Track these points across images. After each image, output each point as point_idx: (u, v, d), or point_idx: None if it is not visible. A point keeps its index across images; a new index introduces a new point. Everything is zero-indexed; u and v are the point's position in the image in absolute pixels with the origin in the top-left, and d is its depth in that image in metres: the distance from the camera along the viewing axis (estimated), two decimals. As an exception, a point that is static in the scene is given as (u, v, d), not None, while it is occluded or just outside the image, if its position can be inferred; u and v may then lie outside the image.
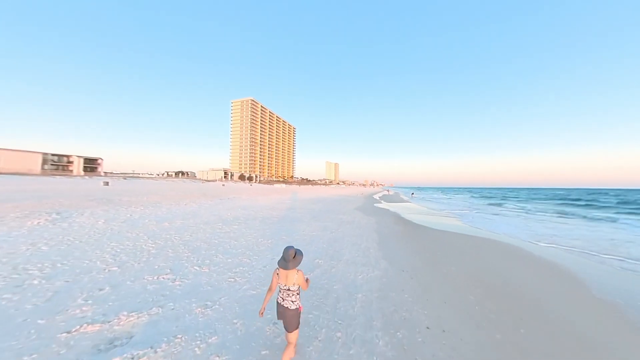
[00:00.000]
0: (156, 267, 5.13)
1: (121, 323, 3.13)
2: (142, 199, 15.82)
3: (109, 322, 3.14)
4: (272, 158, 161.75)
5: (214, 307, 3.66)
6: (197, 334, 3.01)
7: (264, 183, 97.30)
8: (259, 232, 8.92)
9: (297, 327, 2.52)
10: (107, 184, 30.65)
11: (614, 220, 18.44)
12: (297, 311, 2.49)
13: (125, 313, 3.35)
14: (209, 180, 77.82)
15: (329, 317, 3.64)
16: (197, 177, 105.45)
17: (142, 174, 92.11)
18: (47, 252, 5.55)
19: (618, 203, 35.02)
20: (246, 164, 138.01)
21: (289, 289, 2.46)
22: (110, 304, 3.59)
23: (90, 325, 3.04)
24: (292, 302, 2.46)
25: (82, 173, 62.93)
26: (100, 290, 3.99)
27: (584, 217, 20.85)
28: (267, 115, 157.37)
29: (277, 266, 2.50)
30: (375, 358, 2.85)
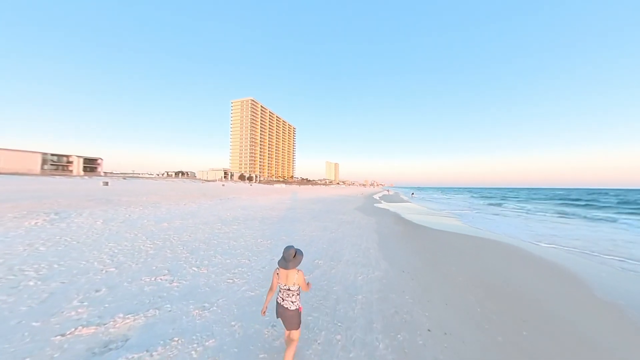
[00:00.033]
0: (154, 268, 5.07)
1: (117, 325, 3.08)
2: (142, 199, 15.76)
3: (104, 324, 3.09)
4: (272, 158, 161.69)
5: (211, 309, 3.61)
6: (194, 337, 2.95)
7: (264, 183, 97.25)
8: (258, 233, 8.87)
9: (298, 327, 2.52)
10: (106, 184, 30.59)
11: (614, 220, 18.39)
12: (297, 311, 2.48)
13: (121, 315, 3.30)
14: (208, 180, 77.76)
15: (328, 319, 3.59)
16: (197, 177, 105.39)
17: (142, 174, 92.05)
18: (44, 253, 5.50)
19: (618, 203, 34.99)
20: (246, 164, 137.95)
21: (289, 289, 2.45)
22: (106, 305, 3.54)
23: (85, 328, 2.99)
24: (292, 302, 2.45)
25: (82, 173, 62.86)
26: (97, 291, 3.94)
27: (584, 217, 20.80)
28: (267, 115, 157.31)
29: (277, 266, 2.49)
30: (375, 361, 2.80)
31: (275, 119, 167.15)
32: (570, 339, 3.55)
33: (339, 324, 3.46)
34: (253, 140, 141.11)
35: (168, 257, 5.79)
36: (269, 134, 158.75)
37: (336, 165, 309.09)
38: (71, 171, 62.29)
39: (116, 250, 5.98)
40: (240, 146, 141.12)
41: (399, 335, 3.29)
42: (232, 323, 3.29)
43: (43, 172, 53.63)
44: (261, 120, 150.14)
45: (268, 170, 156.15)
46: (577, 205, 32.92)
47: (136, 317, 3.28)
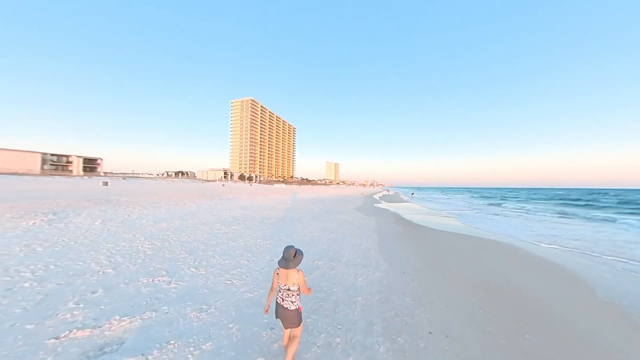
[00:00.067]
0: (152, 268, 5.02)
1: (112, 328, 3.03)
2: (141, 199, 15.70)
3: (99, 327, 3.03)
4: (272, 158, 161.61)
5: (209, 311, 3.55)
6: (190, 340, 2.90)
7: (264, 183, 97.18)
8: (257, 233, 8.81)
9: (298, 325, 2.52)
10: (106, 184, 30.53)
11: (614, 221, 18.34)
12: (297, 311, 2.48)
13: (117, 317, 3.24)
14: (208, 181, 77.69)
15: (328, 321, 3.53)
16: (197, 177, 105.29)
17: (142, 174, 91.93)
18: (41, 254, 5.44)
19: (618, 203, 34.94)
20: (246, 164, 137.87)
21: (288, 289, 2.44)
22: (102, 307, 3.48)
23: (80, 331, 2.93)
24: (292, 302, 2.45)
25: (82, 173, 62.79)
26: (93, 293, 3.88)
27: (585, 217, 20.75)
28: (267, 115, 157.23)
29: (278, 266, 2.49)
30: (375, 365, 2.74)
31: (275, 119, 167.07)
32: (575, 341, 3.50)
33: (339, 327, 3.40)
34: (253, 140, 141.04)
35: (166, 257, 5.73)
36: (269, 134, 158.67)
37: (336, 165, 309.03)
38: (71, 171, 62.22)
39: (114, 251, 5.92)
40: (240, 146, 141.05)
41: (399, 338, 3.24)
42: (230, 325, 3.23)
43: (43, 172, 53.56)
44: (261, 120, 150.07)
45: (268, 170, 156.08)
46: (577, 206, 32.86)
47: (132, 319, 3.22)
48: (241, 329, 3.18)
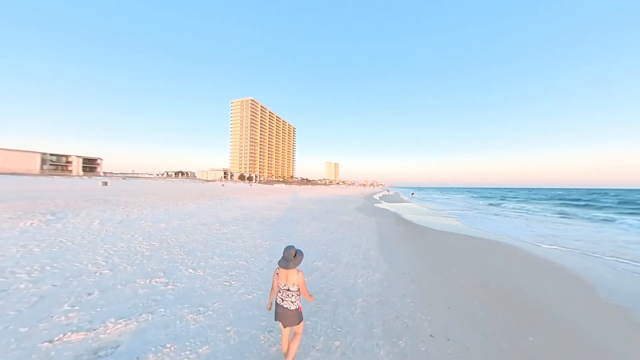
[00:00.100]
0: (149, 270, 4.96)
1: (108, 331, 2.97)
2: (140, 199, 15.64)
3: (94, 330, 2.98)
4: (272, 158, 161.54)
5: (206, 314, 3.49)
6: (187, 343, 2.84)
7: (264, 183, 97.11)
8: (257, 233, 8.76)
9: (299, 323, 2.51)
10: (105, 184, 30.47)
11: (614, 221, 18.29)
12: (297, 311, 2.47)
13: (112, 320, 3.19)
14: (208, 181, 77.64)
15: (327, 323, 3.47)
16: (197, 177, 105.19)
17: (142, 174, 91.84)
18: (37, 255, 5.38)
19: (618, 203, 34.90)
20: (246, 164, 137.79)
21: (288, 289, 2.43)
22: (97, 309, 3.43)
23: (74, 334, 2.88)
24: (292, 302, 2.44)
25: (81, 173, 62.70)
26: (89, 294, 3.83)
27: (585, 217, 20.70)
28: (267, 115, 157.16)
29: (278, 266, 2.49)
30: (376, 369, 2.69)
31: (275, 119, 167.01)
32: (577, 343, 3.45)
33: (338, 329, 3.35)
34: (253, 140, 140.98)
35: (164, 258, 5.68)
36: (268, 134, 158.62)
37: (336, 165, 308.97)
38: (70, 171, 62.13)
39: (111, 252, 5.87)
40: (240, 146, 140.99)
41: (400, 341, 3.18)
42: (228, 328, 3.18)
43: (42, 172, 53.46)
44: (261, 120, 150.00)
45: (268, 170, 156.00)
46: (577, 206, 32.81)
47: (128, 322, 3.17)
48: (239, 331, 3.13)
